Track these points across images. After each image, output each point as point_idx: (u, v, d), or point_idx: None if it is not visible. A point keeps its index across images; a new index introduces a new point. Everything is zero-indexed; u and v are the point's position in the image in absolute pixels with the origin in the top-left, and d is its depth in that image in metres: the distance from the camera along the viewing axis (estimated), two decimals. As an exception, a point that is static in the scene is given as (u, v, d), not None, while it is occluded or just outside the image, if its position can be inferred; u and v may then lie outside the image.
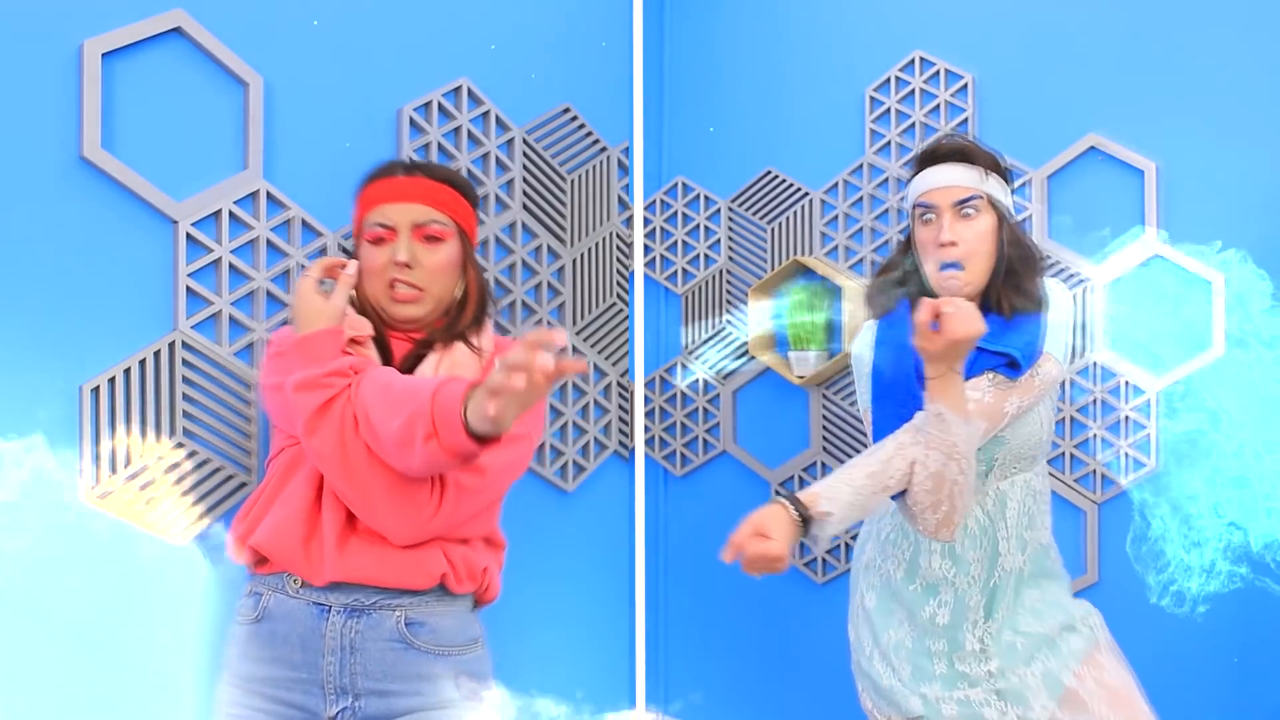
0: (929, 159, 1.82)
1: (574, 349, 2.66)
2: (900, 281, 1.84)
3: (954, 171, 1.78)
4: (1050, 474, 2.50)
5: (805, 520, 1.61)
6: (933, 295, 1.78)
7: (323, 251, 2.07)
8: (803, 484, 2.78)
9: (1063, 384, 2.49)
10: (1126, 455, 2.46)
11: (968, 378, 1.72)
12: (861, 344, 1.88)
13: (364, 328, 1.63)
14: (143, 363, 1.83)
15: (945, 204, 1.76)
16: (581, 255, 2.68)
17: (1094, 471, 2.48)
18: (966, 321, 1.58)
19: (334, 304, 1.57)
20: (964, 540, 1.81)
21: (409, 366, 1.63)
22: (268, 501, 1.60)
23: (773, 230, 2.81)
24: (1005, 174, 1.83)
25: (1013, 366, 1.72)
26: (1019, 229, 1.82)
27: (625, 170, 2.82)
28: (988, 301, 1.79)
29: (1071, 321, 1.83)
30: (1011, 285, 1.77)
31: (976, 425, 1.66)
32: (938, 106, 2.62)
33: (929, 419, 1.66)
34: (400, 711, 1.56)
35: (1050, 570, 1.90)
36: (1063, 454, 2.50)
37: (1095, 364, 2.48)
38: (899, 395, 1.73)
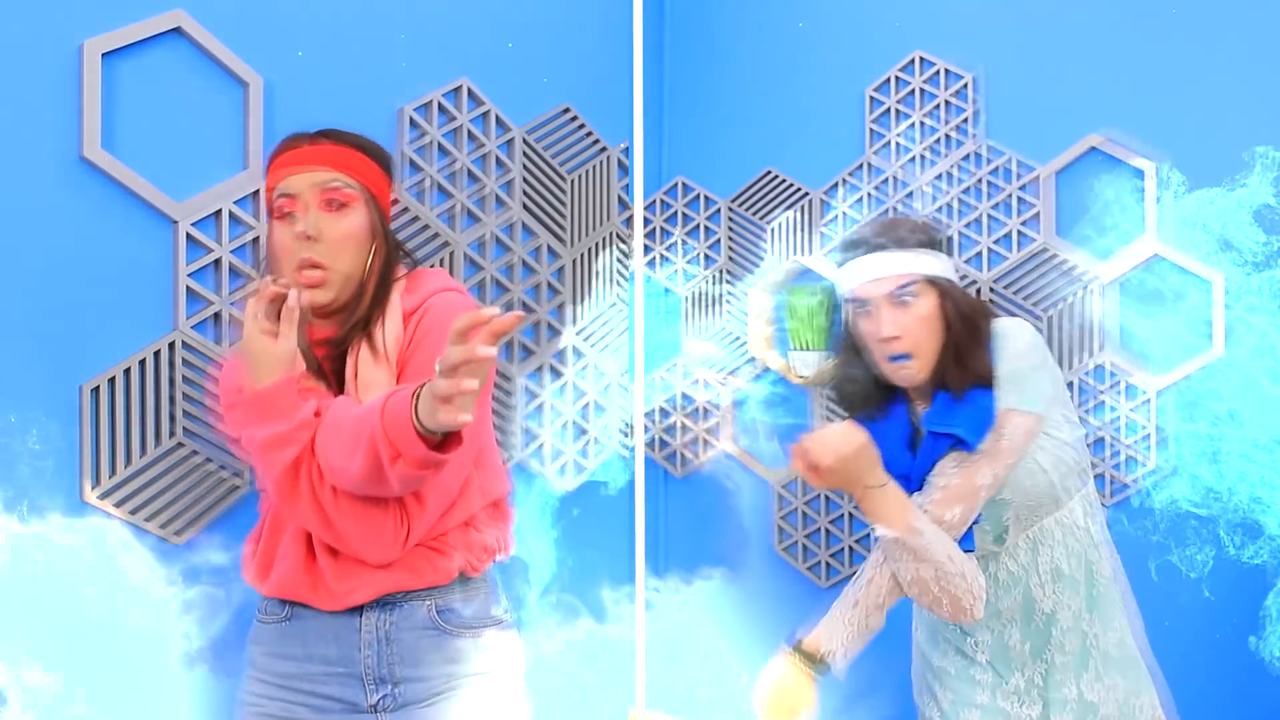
0: (852, 247, 1.73)
1: (574, 349, 2.66)
2: (853, 381, 1.78)
3: (882, 261, 1.69)
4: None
5: (818, 665, 1.69)
6: (887, 384, 1.75)
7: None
8: (805, 487, 2.78)
9: (1069, 385, 2.48)
10: (1131, 457, 2.46)
11: (932, 462, 1.69)
12: None
13: (298, 364, 1.53)
14: (143, 363, 1.83)
15: (879, 295, 1.68)
16: (581, 255, 2.68)
17: (1102, 474, 2.48)
18: (828, 447, 1.56)
19: (285, 346, 1.46)
20: (995, 590, 1.75)
21: (336, 369, 1.57)
22: (268, 549, 1.58)
23: (773, 230, 2.81)
24: (940, 242, 1.74)
25: (965, 443, 1.66)
26: (961, 295, 1.71)
27: (625, 170, 2.82)
28: (944, 383, 1.71)
29: (1039, 357, 1.70)
30: (958, 363, 1.68)
31: (922, 529, 1.62)
32: (938, 106, 2.62)
33: (879, 540, 1.66)
34: (437, 691, 1.58)
35: (1124, 606, 1.79)
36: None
37: (1098, 365, 2.48)
38: None
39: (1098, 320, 2.47)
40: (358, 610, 1.56)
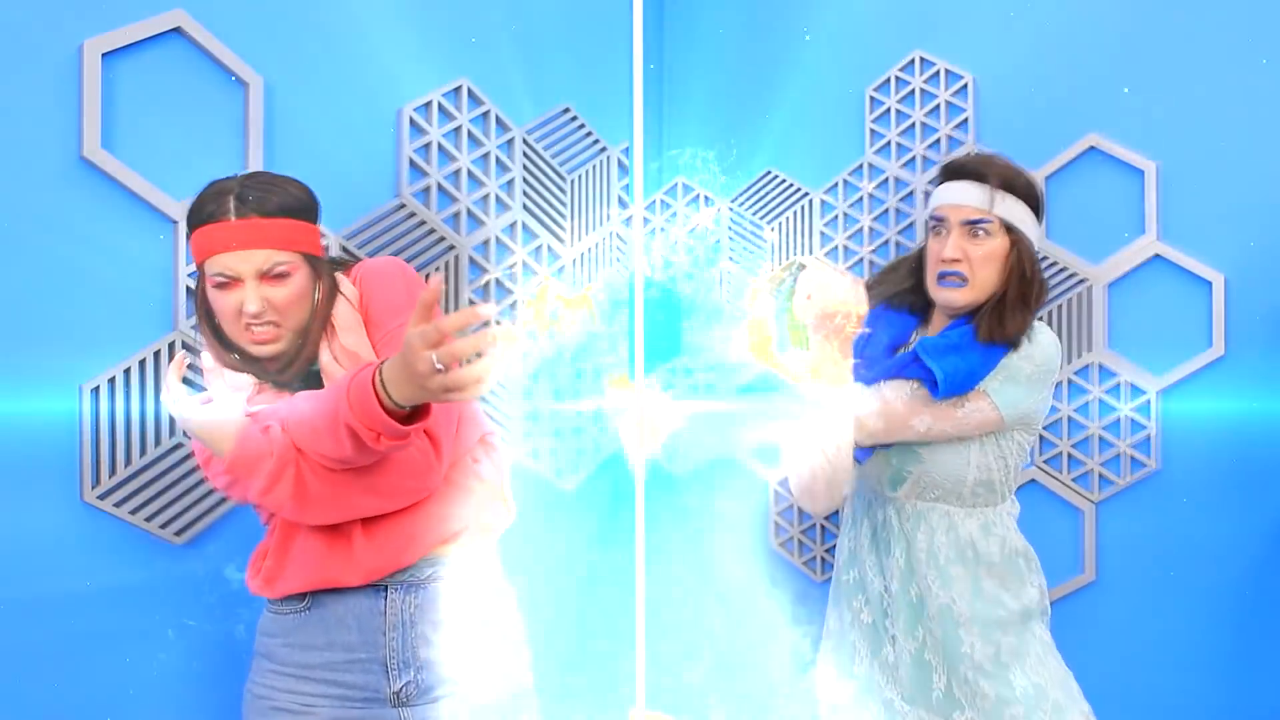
0: (949, 172, 1.80)
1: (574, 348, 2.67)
2: (893, 272, 1.88)
3: (966, 190, 1.76)
4: (1047, 474, 2.50)
5: None
6: (924, 301, 1.81)
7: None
8: (803, 484, 2.79)
9: (1067, 384, 2.48)
10: (1127, 456, 2.46)
11: (892, 377, 1.76)
12: None
13: (244, 382, 1.56)
14: (143, 363, 1.83)
15: (955, 221, 1.76)
16: (581, 255, 2.68)
17: (1091, 471, 2.48)
18: (827, 284, 1.66)
19: (228, 407, 1.47)
20: (874, 545, 1.83)
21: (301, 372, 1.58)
22: (281, 550, 1.56)
23: (772, 230, 2.81)
24: (1036, 200, 1.78)
25: (934, 386, 1.72)
26: (1031, 258, 1.76)
27: (625, 170, 2.82)
28: (974, 320, 1.75)
29: (1042, 375, 1.75)
30: (997, 313, 1.73)
31: (844, 414, 1.69)
32: (938, 106, 2.62)
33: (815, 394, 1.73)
34: (458, 678, 1.59)
35: (1025, 642, 1.78)
36: (1060, 454, 2.50)
37: (1094, 364, 2.48)
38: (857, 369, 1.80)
39: (1097, 321, 2.48)
40: (381, 592, 1.56)
